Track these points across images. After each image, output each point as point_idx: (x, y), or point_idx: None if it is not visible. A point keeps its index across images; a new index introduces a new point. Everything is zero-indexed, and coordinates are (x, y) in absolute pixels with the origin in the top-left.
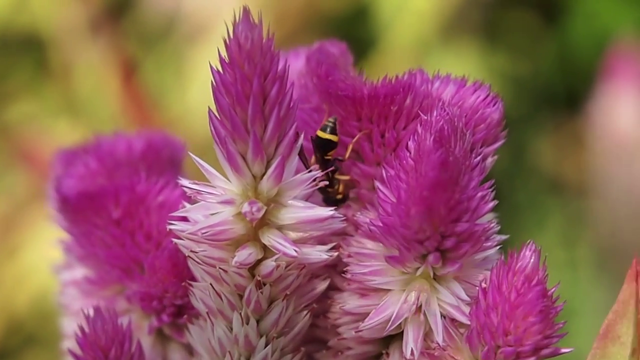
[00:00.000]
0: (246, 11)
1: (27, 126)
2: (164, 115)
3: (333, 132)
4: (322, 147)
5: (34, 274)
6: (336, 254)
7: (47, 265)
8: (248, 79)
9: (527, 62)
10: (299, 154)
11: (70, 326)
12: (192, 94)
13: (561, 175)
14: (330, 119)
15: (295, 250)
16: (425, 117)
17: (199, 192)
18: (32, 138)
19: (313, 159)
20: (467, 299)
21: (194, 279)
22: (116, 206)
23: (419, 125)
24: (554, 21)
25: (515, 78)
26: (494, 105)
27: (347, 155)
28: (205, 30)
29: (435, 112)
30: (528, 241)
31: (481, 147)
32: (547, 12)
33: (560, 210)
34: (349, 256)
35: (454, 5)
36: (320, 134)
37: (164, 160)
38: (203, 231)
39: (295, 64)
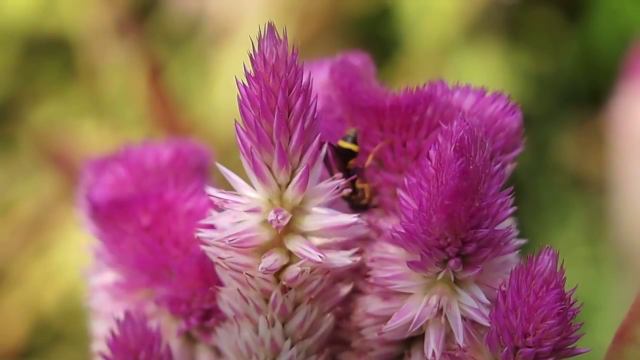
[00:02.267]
0: (271, 26)
1: (54, 128)
2: (189, 116)
3: (354, 142)
4: (343, 156)
5: (61, 273)
6: (359, 258)
7: (75, 264)
8: (273, 93)
9: (550, 60)
10: (324, 162)
11: (100, 329)
12: (217, 95)
13: (584, 172)
14: (352, 130)
15: (320, 256)
16: (446, 127)
17: (225, 200)
18: (59, 139)
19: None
20: (487, 302)
21: (221, 283)
22: (145, 213)
23: (439, 134)
24: (576, 19)
25: (538, 76)
26: (512, 114)
27: (368, 163)
28: (229, 31)
29: (455, 122)
30: (546, 245)
31: (500, 154)
32: (570, 10)
33: (583, 207)
34: (372, 261)
35: (478, 5)
36: (341, 143)
37: (192, 168)
38: (230, 238)
39: (319, 76)
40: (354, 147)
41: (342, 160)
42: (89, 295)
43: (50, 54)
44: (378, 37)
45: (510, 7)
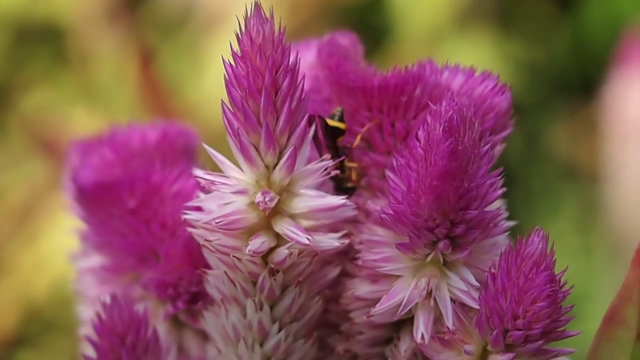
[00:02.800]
0: (257, 5)
1: (45, 115)
2: (181, 103)
3: (340, 119)
4: (332, 135)
5: (52, 261)
6: (347, 241)
7: (65, 252)
8: (260, 72)
9: (542, 49)
10: (313, 140)
11: (87, 313)
12: (208, 83)
13: (576, 161)
14: (338, 108)
15: (308, 238)
16: (435, 107)
17: (212, 182)
18: (50, 126)
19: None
20: (477, 284)
21: (208, 266)
22: (131, 196)
23: (428, 115)
24: (568, 7)
25: (530, 65)
26: (502, 94)
27: (356, 143)
28: (220, 19)
29: (444, 102)
30: (536, 227)
31: (490, 135)
32: (561, 0)
33: (574, 196)
34: (360, 243)
35: None
36: (329, 122)
37: (178, 150)
38: (217, 220)
39: (306, 56)
40: (341, 125)
41: (331, 139)
42: (76, 278)
43: (41, 41)
44: (369, 25)
45: None
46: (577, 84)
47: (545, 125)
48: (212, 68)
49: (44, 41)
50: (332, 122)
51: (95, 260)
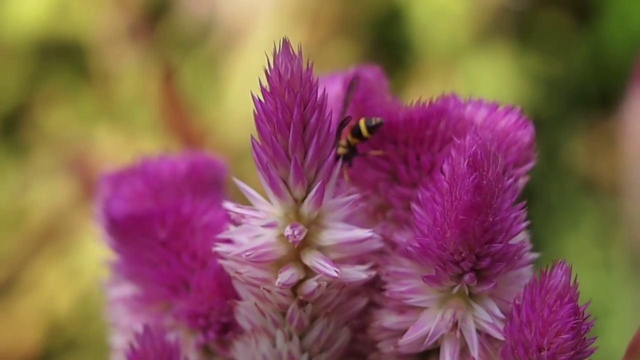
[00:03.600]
0: (286, 42)
1: (67, 132)
2: (201, 120)
3: (371, 130)
4: (354, 133)
5: (76, 278)
6: (375, 273)
7: (89, 270)
8: (288, 108)
9: (560, 63)
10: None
11: (118, 341)
12: (229, 100)
13: (595, 175)
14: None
15: (336, 271)
16: (459, 142)
17: (242, 215)
18: (73, 144)
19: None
20: (502, 316)
21: (238, 297)
22: (162, 227)
23: (452, 149)
24: (586, 22)
25: (548, 79)
26: (524, 128)
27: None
28: (241, 35)
29: (468, 137)
30: (559, 260)
31: (513, 168)
32: (580, 13)
33: (594, 210)
34: (387, 274)
35: (488, 8)
36: (361, 122)
37: (207, 181)
38: (247, 253)
39: (332, 89)
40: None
41: (352, 136)
42: (107, 308)
43: (62, 58)
44: (389, 41)
45: (520, 11)
46: (596, 98)
47: (564, 140)
48: (232, 85)
49: (66, 59)
50: (362, 125)
51: (127, 289)
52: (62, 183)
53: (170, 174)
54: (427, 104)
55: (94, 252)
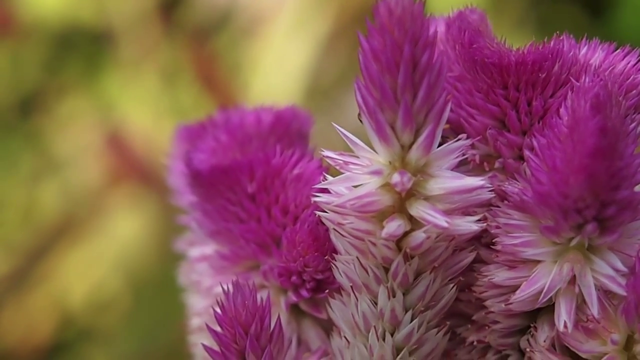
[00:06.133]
0: None
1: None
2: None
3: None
4: None
5: (89, 269)
6: (485, 225)
7: (101, 262)
8: (398, 46)
9: None
10: None
11: (200, 303)
12: (254, 88)
13: None
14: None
15: (447, 221)
16: (578, 84)
17: (345, 162)
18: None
19: None
20: (624, 269)
21: (334, 252)
22: (251, 180)
23: (570, 91)
24: (600, 16)
25: None
26: None
27: None
28: (263, 22)
29: (587, 78)
30: None
31: (634, 113)
32: (594, 6)
33: None
34: (497, 227)
35: (504, 1)
36: None
37: (293, 133)
38: (351, 203)
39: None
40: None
41: None
42: (186, 269)
43: (79, 46)
44: None
45: (534, 3)
46: None
47: None
48: (257, 72)
49: (84, 45)
50: None
51: (211, 248)
52: (76, 172)
53: (255, 126)
54: (541, 46)
55: (121, 233)
